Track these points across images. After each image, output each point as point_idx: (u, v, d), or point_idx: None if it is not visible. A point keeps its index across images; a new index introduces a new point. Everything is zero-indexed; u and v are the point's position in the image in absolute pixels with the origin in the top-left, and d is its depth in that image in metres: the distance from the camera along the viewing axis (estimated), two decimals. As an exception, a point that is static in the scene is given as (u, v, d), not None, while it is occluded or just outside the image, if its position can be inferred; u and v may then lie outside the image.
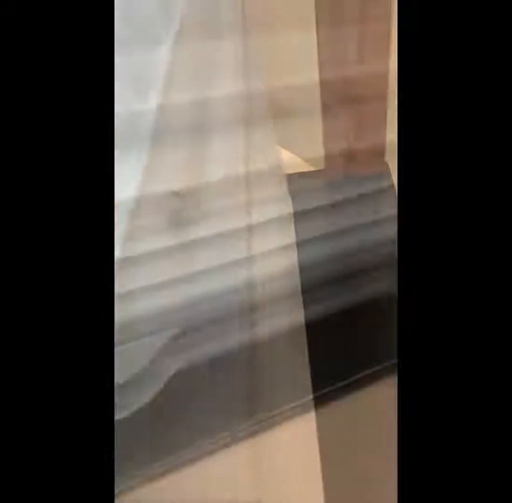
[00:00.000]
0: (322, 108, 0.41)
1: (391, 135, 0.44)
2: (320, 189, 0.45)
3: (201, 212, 0.40)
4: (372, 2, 0.38)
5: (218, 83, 0.35)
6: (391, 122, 0.44)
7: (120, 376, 0.40)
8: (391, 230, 0.49)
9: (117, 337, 0.38)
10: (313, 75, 0.40)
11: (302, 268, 0.44)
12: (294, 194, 0.42)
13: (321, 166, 0.44)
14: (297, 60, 0.39)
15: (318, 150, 0.43)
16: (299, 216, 0.43)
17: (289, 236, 0.44)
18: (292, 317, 0.46)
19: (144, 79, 0.33)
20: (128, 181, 0.35)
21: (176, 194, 0.37)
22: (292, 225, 0.44)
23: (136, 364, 0.40)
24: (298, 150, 0.43)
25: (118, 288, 0.38)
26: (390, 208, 0.47)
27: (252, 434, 0.41)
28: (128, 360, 0.40)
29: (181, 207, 0.38)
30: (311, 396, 0.43)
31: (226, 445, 0.41)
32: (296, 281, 0.44)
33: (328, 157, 0.44)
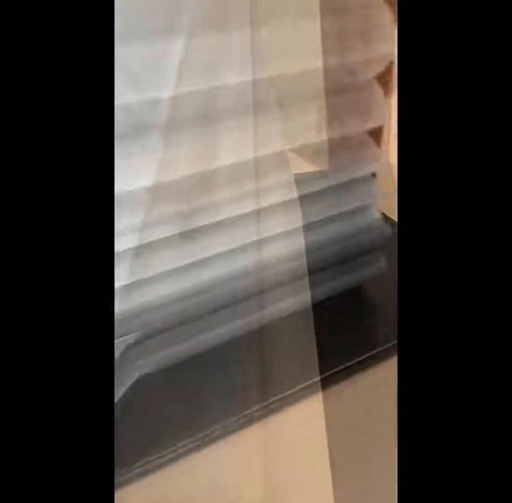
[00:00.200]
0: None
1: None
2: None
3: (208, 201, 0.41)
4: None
5: (226, 73, 0.36)
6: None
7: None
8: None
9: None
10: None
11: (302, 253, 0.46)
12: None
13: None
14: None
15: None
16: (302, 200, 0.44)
17: (295, 220, 0.45)
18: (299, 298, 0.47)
19: (156, 72, 0.34)
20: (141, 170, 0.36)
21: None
22: (298, 210, 0.45)
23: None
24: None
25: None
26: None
27: (264, 415, 0.43)
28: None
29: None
30: (318, 377, 0.44)
31: (239, 428, 0.42)
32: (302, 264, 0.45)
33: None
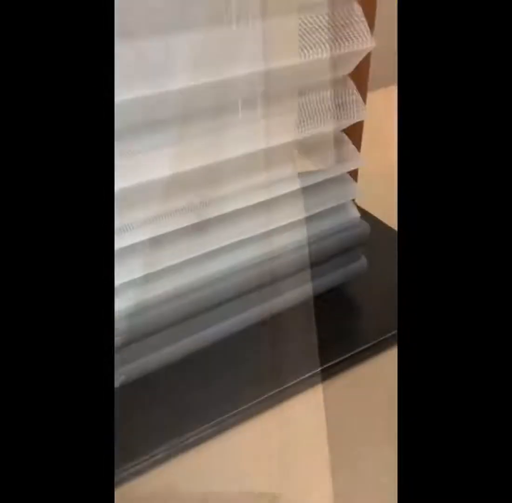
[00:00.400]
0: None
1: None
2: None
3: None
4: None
5: (236, 65, 0.36)
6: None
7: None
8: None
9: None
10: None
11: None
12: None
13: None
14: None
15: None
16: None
17: (300, 211, 0.45)
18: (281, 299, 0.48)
19: (166, 65, 0.34)
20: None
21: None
22: (303, 201, 0.45)
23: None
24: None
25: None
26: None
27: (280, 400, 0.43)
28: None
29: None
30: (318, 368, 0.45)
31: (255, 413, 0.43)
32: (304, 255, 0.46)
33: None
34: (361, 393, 0.44)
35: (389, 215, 0.60)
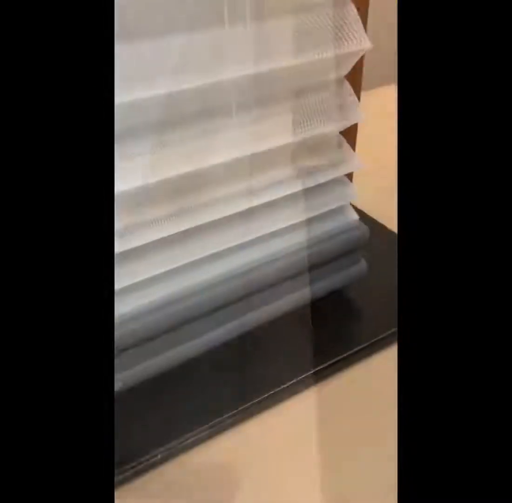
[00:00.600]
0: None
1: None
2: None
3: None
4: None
5: (231, 67, 0.36)
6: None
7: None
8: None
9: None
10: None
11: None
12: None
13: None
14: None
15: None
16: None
17: (296, 215, 0.45)
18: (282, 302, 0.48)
19: (155, 66, 0.33)
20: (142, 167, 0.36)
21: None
22: (301, 204, 0.45)
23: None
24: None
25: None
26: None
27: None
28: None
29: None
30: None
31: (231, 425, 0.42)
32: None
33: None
34: (360, 392, 0.45)
35: (384, 216, 0.60)
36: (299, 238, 0.46)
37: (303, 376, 0.44)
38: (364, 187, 0.49)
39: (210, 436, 0.41)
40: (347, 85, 0.43)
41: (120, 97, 0.32)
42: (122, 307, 0.40)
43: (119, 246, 0.38)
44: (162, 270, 0.40)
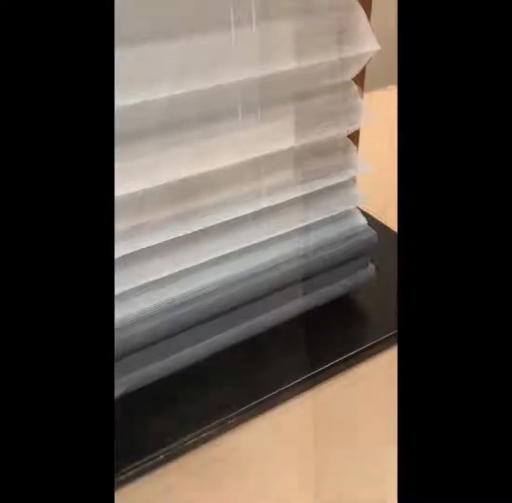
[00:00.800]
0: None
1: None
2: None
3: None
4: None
5: (235, 70, 0.35)
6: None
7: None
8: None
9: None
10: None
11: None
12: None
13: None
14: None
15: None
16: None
17: (302, 218, 0.45)
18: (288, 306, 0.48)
19: (156, 71, 0.33)
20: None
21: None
22: (306, 208, 0.45)
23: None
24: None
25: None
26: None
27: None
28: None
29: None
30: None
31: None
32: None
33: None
34: (363, 393, 0.45)
35: (392, 220, 0.59)
36: (305, 242, 0.46)
37: (303, 377, 0.44)
38: (371, 191, 0.49)
39: (212, 437, 0.41)
40: (354, 88, 0.43)
41: (125, 100, 0.32)
42: (129, 309, 0.40)
43: (125, 248, 0.37)
44: (168, 273, 0.40)
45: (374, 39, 0.40)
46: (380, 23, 0.51)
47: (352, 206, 0.47)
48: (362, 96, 0.45)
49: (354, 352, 0.46)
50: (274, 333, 0.47)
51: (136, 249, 0.38)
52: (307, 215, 0.45)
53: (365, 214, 0.49)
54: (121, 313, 0.40)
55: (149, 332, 0.40)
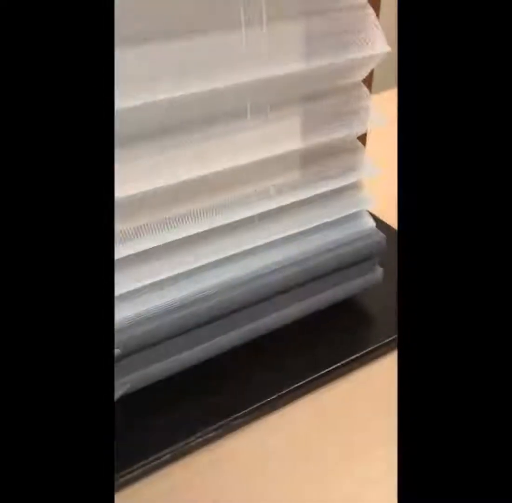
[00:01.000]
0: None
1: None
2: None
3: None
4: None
5: (244, 71, 0.35)
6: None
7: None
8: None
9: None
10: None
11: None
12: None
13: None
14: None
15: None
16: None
17: (310, 220, 0.45)
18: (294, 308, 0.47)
19: (156, 72, 0.33)
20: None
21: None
22: (315, 209, 0.45)
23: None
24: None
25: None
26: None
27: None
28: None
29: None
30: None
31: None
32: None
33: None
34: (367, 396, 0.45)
35: (395, 222, 0.59)
36: (313, 244, 0.46)
37: (305, 381, 0.44)
38: (379, 193, 0.48)
39: (217, 438, 0.42)
40: (364, 89, 0.42)
41: (126, 101, 0.32)
42: (133, 309, 0.40)
43: (131, 248, 0.37)
44: (177, 272, 0.40)
45: (384, 41, 0.39)
46: (389, 24, 0.50)
47: (360, 209, 0.47)
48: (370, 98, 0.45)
49: (358, 354, 0.46)
50: (278, 334, 0.47)
51: (144, 248, 0.38)
52: (314, 217, 0.45)
53: (372, 216, 0.48)
54: (128, 312, 0.40)
55: (152, 333, 0.40)
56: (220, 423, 0.41)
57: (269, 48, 0.36)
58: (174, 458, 0.40)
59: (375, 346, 0.46)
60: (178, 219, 0.39)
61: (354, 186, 0.46)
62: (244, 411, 0.42)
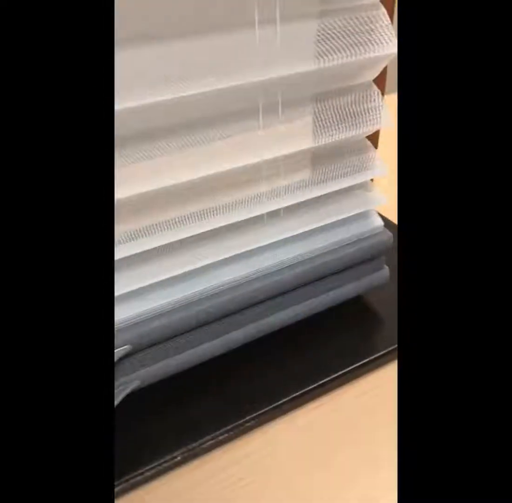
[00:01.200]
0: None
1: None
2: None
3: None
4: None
5: (255, 70, 0.35)
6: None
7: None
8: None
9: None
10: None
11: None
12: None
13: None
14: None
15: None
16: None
17: (319, 219, 0.45)
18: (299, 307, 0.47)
19: (164, 72, 0.33)
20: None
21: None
22: (323, 208, 0.45)
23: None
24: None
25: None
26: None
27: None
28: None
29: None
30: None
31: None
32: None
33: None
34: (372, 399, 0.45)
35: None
36: (322, 243, 0.46)
37: (309, 387, 0.44)
38: (388, 192, 0.48)
39: (230, 439, 0.42)
40: (376, 89, 0.42)
41: (134, 101, 0.32)
42: (140, 307, 0.40)
43: (138, 247, 0.38)
44: (187, 269, 0.40)
45: (396, 40, 0.39)
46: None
47: (369, 208, 0.47)
48: (382, 98, 0.45)
49: (364, 361, 0.46)
50: (284, 334, 0.47)
51: (152, 247, 0.38)
52: (323, 216, 0.45)
53: (381, 216, 0.48)
54: (135, 309, 0.40)
55: (164, 328, 0.40)
56: (232, 425, 0.41)
57: (282, 47, 0.36)
58: (187, 459, 0.40)
59: (383, 352, 0.46)
60: (189, 218, 0.39)
61: (364, 186, 0.46)
62: (256, 413, 0.42)
